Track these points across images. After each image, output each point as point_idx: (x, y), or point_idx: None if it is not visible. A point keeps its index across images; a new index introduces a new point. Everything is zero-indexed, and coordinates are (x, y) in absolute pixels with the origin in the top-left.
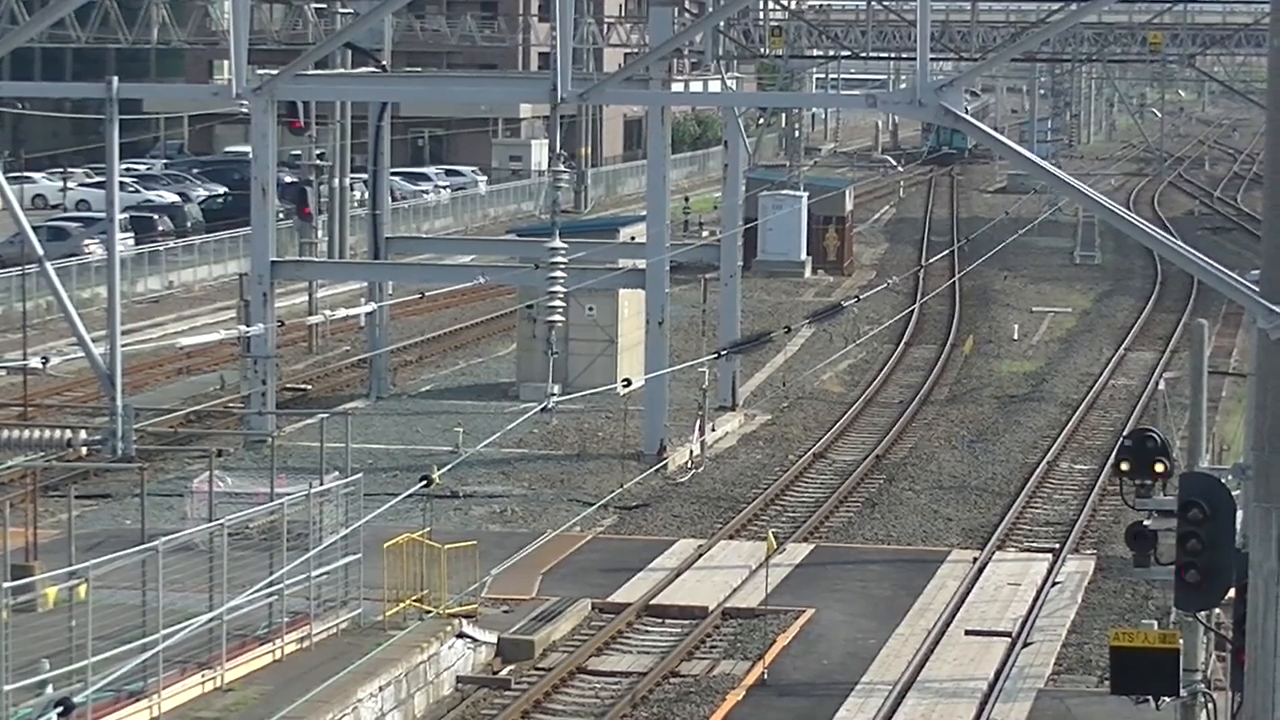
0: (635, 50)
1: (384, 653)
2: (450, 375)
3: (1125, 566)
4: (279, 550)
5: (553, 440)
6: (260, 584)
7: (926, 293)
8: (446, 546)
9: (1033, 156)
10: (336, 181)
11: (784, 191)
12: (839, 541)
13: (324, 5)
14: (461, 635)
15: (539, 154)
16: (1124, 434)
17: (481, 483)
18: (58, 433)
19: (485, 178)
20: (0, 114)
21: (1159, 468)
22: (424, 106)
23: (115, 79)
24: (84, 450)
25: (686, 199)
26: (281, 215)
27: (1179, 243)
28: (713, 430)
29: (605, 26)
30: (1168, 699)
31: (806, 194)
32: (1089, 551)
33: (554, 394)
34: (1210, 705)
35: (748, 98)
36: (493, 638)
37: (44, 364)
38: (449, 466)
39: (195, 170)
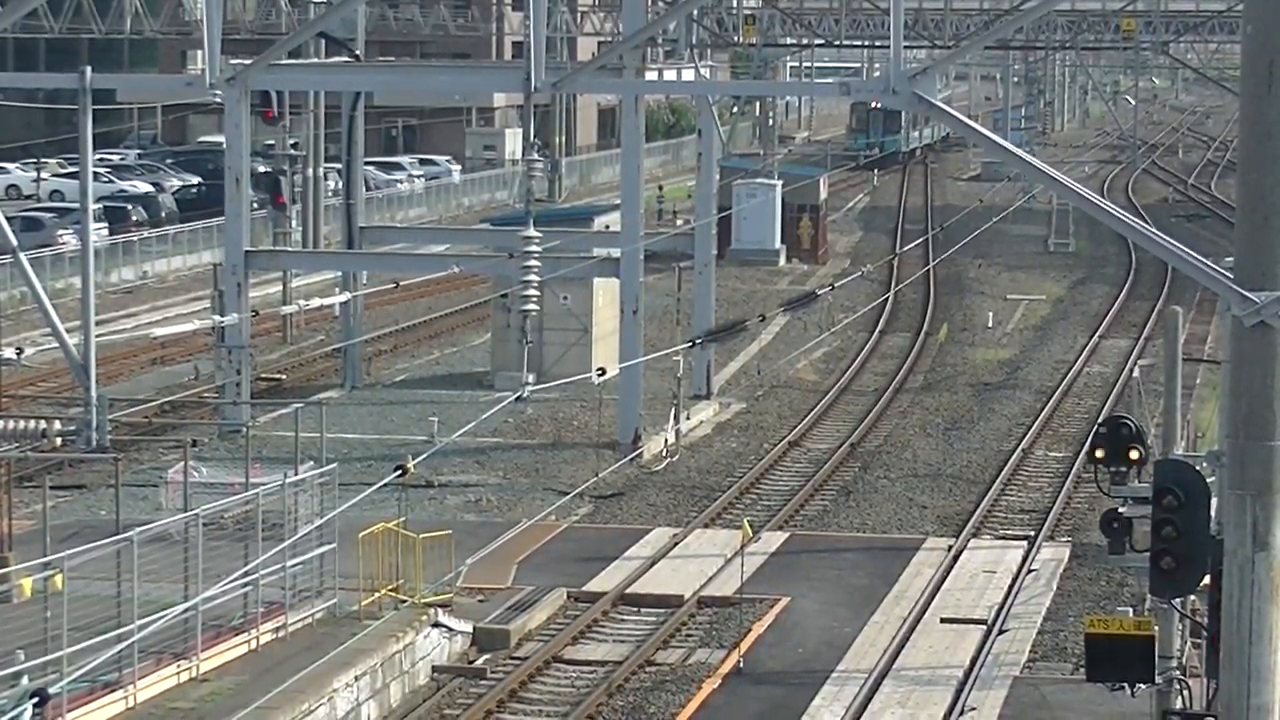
0: (609, 39)
1: (359, 643)
2: (425, 365)
3: (1100, 554)
4: (254, 540)
5: (527, 429)
6: (235, 574)
7: (901, 281)
8: (421, 536)
9: (1007, 144)
10: (310, 171)
11: (758, 180)
12: (814, 530)
13: None
14: (437, 625)
15: (513, 143)
16: (1099, 421)
17: (456, 472)
18: (32, 423)
19: (459, 167)
20: None
21: (1134, 455)
22: (398, 96)
23: (89, 69)
24: (58, 441)
25: (661, 188)
26: (255, 205)
27: (1153, 230)
28: (687, 419)
29: (579, 15)
30: (1143, 686)
31: (780, 182)
32: (1064, 539)
33: (529, 383)
34: (1185, 692)
35: (721, 86)
36: (468, 627)
37: (18, 355)
38: (424, 456)
39: (169, 160)
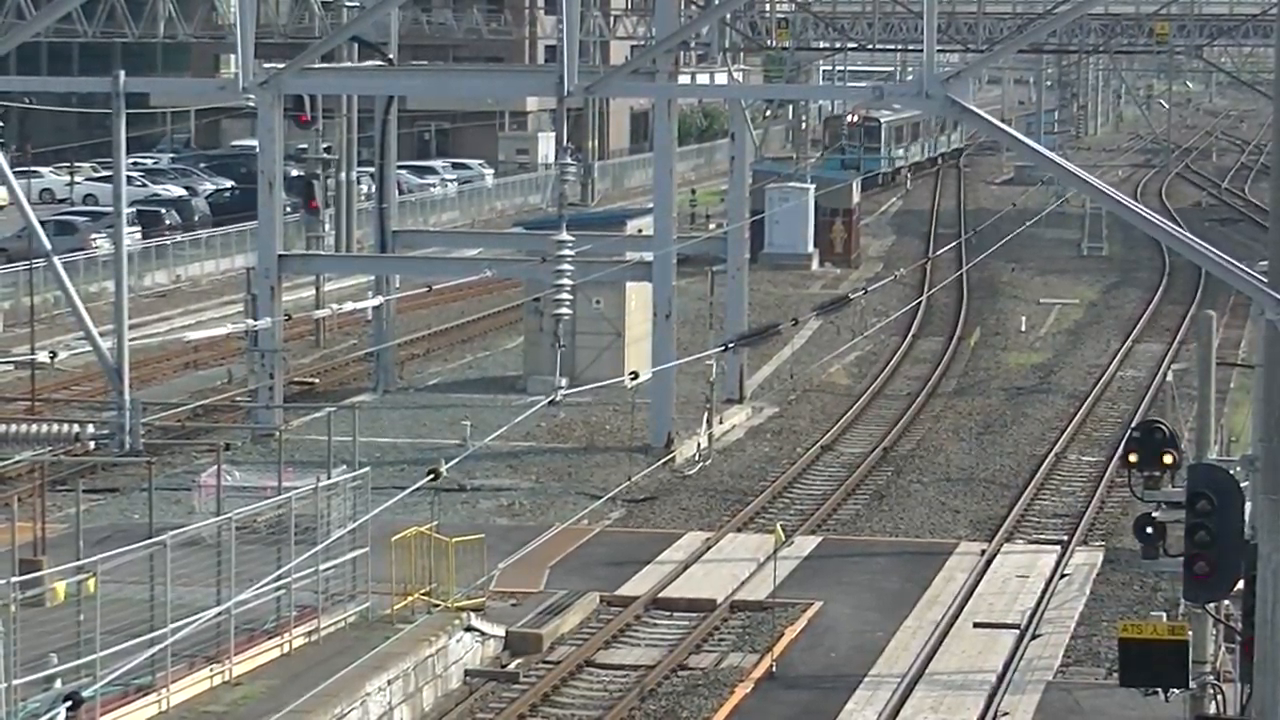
0: (641, 43)
1: (392, 646)
2: (457, 369)
3: (1133, 558)
4: (286, 544)
5: (560, 433)
6: (268, 578)
7: (934, 285)
8: (454, 540)
9: (1040, 148)
10: (343, 175)
11: (790, 184)
12: (847, 534)
13: None
14: (469, 629)
15: (546, 147)
16: (1132, 426)
17: (489, 476)
18: (65, 427)
19: (492, 171)
20: (7, 109)
21: (1167, 459)
22: (430, 100)
23: (122, 73)
24: (91, 445)
25: (693, 191)
26: (288, 209)
27: (1186, 234)
28: (720, 423)
29: (611, 19)
30: (1177, 691)
31: (813, 186)
32: (1097, 543)
33: (561, 387)
34: (1219, 697)
35: (754, 90)
36: (501, 631)
37: (52, 358)
38: (456, 460)
39: (202, 164)
